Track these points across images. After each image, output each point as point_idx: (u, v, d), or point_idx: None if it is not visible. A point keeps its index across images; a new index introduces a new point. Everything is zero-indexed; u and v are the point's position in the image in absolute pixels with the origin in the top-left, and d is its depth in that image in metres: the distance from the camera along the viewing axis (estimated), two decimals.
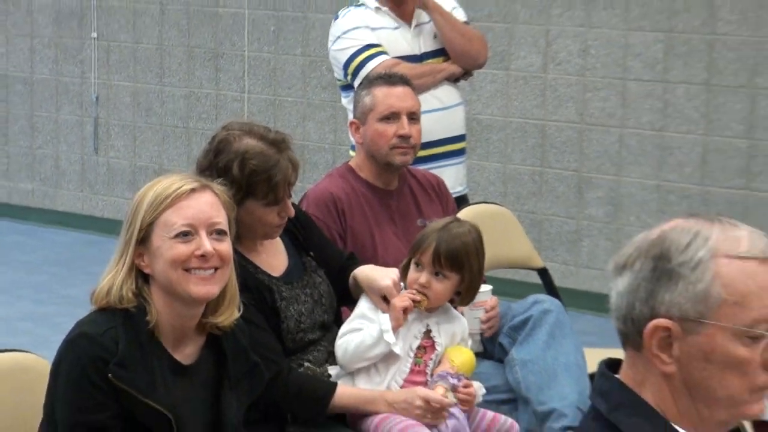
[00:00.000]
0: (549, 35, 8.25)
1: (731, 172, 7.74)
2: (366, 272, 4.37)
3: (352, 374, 4.25)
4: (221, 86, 9.43)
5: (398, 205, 4.95)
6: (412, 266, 4.27)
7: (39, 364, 3.53)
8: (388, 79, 5.02)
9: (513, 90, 8.40)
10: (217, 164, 4.11)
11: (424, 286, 4.21)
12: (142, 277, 3.38)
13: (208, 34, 9.58)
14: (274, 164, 4.11)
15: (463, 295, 4.36)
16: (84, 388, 3.23)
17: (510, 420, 4.41)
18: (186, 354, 3.45)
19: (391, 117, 4.83)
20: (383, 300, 4.24)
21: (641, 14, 7.94)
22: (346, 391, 4.17)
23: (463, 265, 4.26)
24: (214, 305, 3.43)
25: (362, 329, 4.21)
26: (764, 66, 7.58)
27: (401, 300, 4.16)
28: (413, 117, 4.88)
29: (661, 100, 7.98)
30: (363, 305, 4.32)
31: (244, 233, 4.12)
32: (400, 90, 4.92)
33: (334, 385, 4.18)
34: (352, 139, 5.02)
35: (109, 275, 3.38)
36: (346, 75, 5.91)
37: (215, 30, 9.55)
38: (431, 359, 4.27)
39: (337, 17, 6.07)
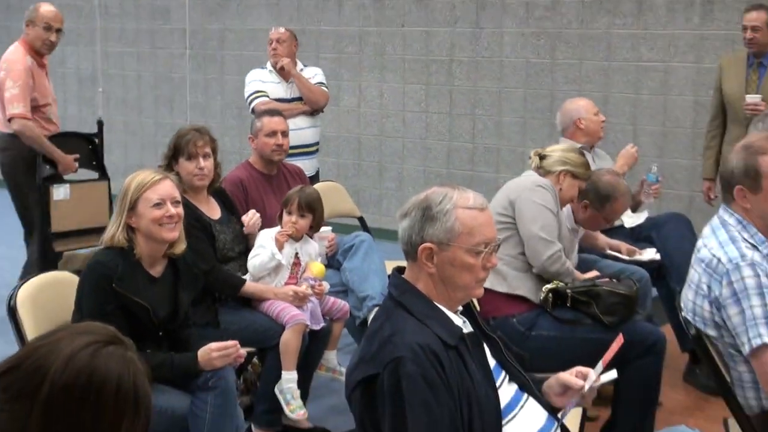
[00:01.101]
0: (361, 87, 8.23)
1: (463, 161, 7.81)
2: None
3: (257, 280, 4.27)
4: (174, 117, 9.25)
5: (277, 183, 4.91)
6: (285, 213, 4.31)
7: (72, 278, 3.47)
8: (270, 112, 5.04)
9: (343, 118, 8.36)
10: (168, 144, 4.28)
11: (294, 222, 4.26)
12: (130, 229, 3.37)
13: (167, 89, 9.39)
14: (186, 134, 4.21)
15: (314, 228, 4.41)
16: (98, 292, 3.24)
17: (344, 302, 4.46)
18: (156, 270, 3.45)
19: (272, 134, 4.81)
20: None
21: (412, 75, 7.95)
22: (250, 285, 4.21)
23: (314, 208, 4.33)
24: (172, 243, 3.43)
25: (260, 253, 4.23)
26: (480, 103, 7.65)
27: (280, 234, 4.21)
28: (284, 134, 4.86)
29: (424, 122, 7.98)
30: (260, 239, 4.33)
31: (186, 185, 4.19)
32: (277, 119, 4.91)
33: (244, 280, 4.22)
34: (250, 146, 4.99)
35: (111, 228, 3.39)
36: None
37: (171, 86, 9.35)
38: (300, 269, 4.30)
39: (247, 75, 6.12)
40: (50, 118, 5.73)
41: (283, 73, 5.97)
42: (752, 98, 5.37)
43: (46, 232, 4.92)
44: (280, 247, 4.25)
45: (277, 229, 4.34)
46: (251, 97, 5.93)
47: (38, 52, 5.56)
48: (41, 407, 1.52)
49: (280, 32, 6.05)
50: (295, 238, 4.33)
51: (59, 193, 4.99)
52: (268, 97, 5.88)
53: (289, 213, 4.30)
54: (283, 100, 5.91)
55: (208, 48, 9.07)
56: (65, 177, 5.67)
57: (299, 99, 5.96)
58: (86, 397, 1.54)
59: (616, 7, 7.06)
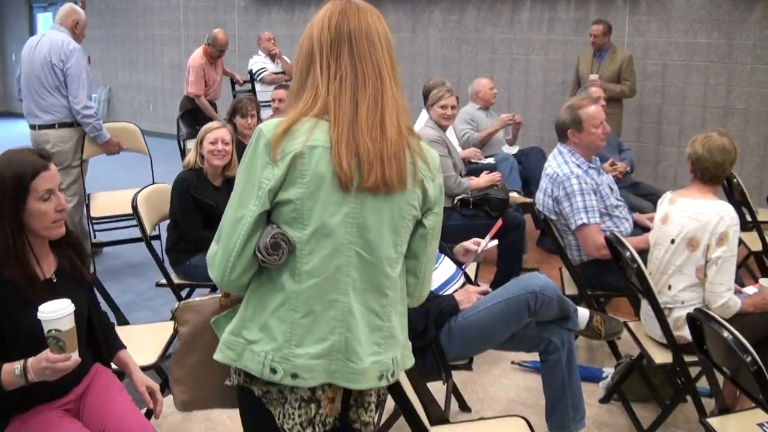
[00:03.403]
0: None
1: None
2: None
3: None
4: (229, 90, 8.95)
5: None
6: None
7: (167, 187, 3.30)
8: (281, 86, 4.76)
9: None
10: (230, 106, 4.14)
11: None
12: (201, 156, 3.23)
13: None
14: (241, 100, 4.06)
15: None
16: (182, 196, 3.13)
17: None
18: (217, 182, 3.28)
19: (275, 101, 4.58)
20: None
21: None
22: None
23: None
24: (225, 166, 3.28)
25: None
26: (415, 81, 7.37)
27: None
28: (281, 100, 4.52)
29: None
30: None
31: (240, 134, 4.01)
32: (281, 91, 4.61)
33: None
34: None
35: (189, 155, 3.27)
36: (252, 78, 6.20)
37: None
38: None
39: (252, 57, 6.36)
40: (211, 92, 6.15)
41: (271, 57, 6.11)
42: (593, 76, 5.44)
43: None
44: None
45: None
46: (259, 71, 6.06)
47: (212, 56, 5.90)
48: None
49: (272, 34, 6.31)
50: None
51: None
52: (267, 70, 6.10)
53: None
54: (274, 72, 6.12)
55: (250, 47, 8.71)
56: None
57: (282, 72, 6.11)
58: None
59: (497, 21, 6.85)
